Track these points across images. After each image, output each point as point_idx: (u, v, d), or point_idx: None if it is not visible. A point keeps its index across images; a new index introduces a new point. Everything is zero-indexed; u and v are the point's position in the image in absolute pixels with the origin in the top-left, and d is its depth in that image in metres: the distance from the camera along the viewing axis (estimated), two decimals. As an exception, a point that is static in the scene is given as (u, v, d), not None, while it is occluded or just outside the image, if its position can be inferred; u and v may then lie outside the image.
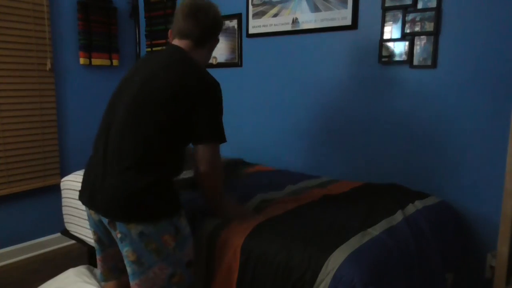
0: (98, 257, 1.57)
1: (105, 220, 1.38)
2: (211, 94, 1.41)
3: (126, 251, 1.36)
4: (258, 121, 2.75)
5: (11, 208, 2.81)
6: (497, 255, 1.91)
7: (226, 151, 2.94)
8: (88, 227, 2.20)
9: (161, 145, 1.35)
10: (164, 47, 1.55)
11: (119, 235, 1.35)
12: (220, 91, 1.44)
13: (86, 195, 1.43)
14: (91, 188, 1.41)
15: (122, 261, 1.47)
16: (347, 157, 2.36)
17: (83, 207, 2.21)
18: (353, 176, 2.30)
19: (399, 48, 2.09)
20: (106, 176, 1.36)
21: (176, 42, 1.50)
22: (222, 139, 1.44)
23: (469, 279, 2.01)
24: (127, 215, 1.32)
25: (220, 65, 2.89)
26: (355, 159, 2.32)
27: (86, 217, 1.56)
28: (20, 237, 2.87)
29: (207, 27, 1.49)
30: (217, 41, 1.59)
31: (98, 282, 2.19)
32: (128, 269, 1.39)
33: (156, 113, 1.34)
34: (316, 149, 2.49)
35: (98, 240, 1.52)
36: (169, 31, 1.58)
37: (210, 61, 2.93)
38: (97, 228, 1.49)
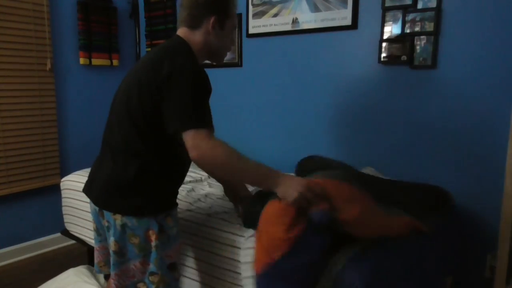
0: (95, 246, 1.59)
1: (96, 209, 1.45)
2: (179, 77, 1.25)
3: (110, 240, 1.39)
4: (258, 121, 2.75)
5: (11, 208, 2.81)
6: (497, 255, 1.91)
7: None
8: (88, 227, 2.20)
9: (145, 139, 1.33)
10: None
11: (106, 224, 1.41)
12: (195, 76, 1.28)
13: (87, 185, 1.51)
14: (90, 178, 1.50)
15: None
16: (347, 157, 2.36)
17: (83, 207, 2.22)
18: (353, 176, 2.30)
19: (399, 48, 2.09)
20: (101, 167, 1.44)
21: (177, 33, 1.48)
22: (200, 125, 1.24)
23: (469, 280, 2.01)
24: (112, 205, 1.37)
25: (220, 65, 2.89)
26: (355, 159, 2.32)
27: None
28: (20, 237, 2.87)
29: (193, 5, 1.41)
30: (217, 20, 1.41)
31: (98, 281, 2.19)
32: (111, 259, 1.42)
33: (135, 106, 1.33)
34: (317, 149, 2.49)
35: (96, 229, 1.55)
36: None
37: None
38: (95, 217, 1.52)
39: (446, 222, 1.85)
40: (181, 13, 1.45)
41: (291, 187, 1.27)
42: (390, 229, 1.41)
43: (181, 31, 1.44)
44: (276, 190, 1.29)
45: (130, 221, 1.34)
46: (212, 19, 1.40)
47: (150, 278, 1.39)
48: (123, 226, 1.35)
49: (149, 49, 3.28)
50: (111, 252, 1.40)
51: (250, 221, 1.50)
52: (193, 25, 1.41)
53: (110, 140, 1.42)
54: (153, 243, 1.37)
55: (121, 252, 1.37)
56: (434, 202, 1.74)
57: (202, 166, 1.33)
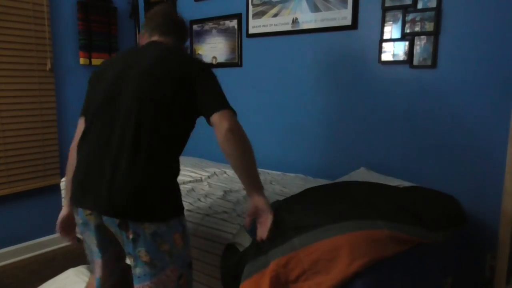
0: (98, 260, 1.46)
1: (114, 222, 1.31)
2: (209, 72, 1.44)
3: (138, 252, 1.32)
4: (258, 121, 2.75)
5: (11, 208, 2.81)
6: (497, 255, 1.91)
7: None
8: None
9: (167, 140, 1.34)
10: (140, 46, 1.57)
11: (131, 236, 1.30)
12: (213, 73, 1.48)
13: (88, 198, 1.34)
14: (95, 190, 1.32)
15: (120, 261, 1.49)
16: (347, 156, 2.36)
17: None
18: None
19: (399, 48, 2.09)
20: (117, 175, 1.30)
21: (155, 39, 1.59)
22: (232, 108, 1.38)
23: (469, 280, 2.01)
24: (142, 214, 1.29)
25: (220, 65, 2.89)
26: (354, 159, 2.32)
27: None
28: (20, 237, 2.87)
29: (183, 27, 1.64)
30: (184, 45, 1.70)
31: None
32: (139, 270, 1.34)
33: (161, 107, 1.34)
34: (317, 149, 2.49)
35: (99, 245, 1.42)
36: (140, 34, 1.68)
37: (210, 61, 2.94)
38: (97, 234, 1.39)
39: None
40: (168, 25, 1.61)
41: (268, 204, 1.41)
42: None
43: (169, 42, 1.61)
44: (259, 194, 1.40)
45: (160, 228, 1.31)
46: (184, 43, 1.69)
47: (180, 282, 1.38)
48: (153, 234, 1.30)
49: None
50: (139, 263, 1.33)
51: (225, 277, 1.53)
52: (182, 40, 1.66)
53: (127, 143, 1.31)
54: (180, 246, 1.37)
55: (152, 263, 1.33)
56: (450, 216, 1.73)
57: (230, 136, 1.33)
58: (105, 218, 1.33)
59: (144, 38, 1.62)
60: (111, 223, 1.32)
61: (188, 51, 1.75)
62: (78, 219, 1.42)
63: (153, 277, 1.33)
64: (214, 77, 1.44)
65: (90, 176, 1.35)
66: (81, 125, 1.51)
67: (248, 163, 1.38)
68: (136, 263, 1.33)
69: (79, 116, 1.54)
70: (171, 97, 1.35)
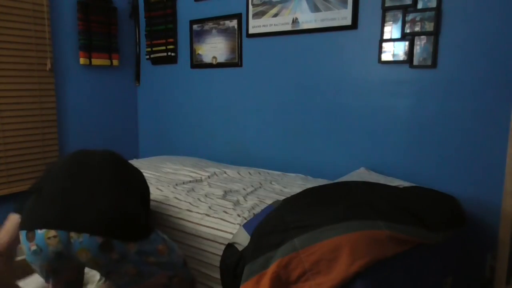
0: (51, 282, 1.38)
1: (96, 243, 1.25)
2: None
3: (125, 269, 1.34)
4: (258, 121, 2.75)
5: (11, 208, 2.80)
6: (497, 255, 1.91)
7: (226, 150, 2.95)
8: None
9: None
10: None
11: (115, 256, 1.29)
12: None
13: (61, 217, 1.28)
14: (69, 208, 1.29)
15: (78, 275, 1.49)
16: (347, 156, 2.36)
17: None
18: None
19: (399, 48, 2.09)
20: (92, 198, 1.32)
21: None
22: None
23: (469, 280, 2.01)
24: (127, 234, 1.31)
25: (220, 65, 2.89)
26: (354, 159, 2.32)
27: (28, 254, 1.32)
28: (20, 237, 2.86)
29: None
30: None
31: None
32: (127, 279, 1.37)
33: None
34: (317, 149, 2.49)
35: (52, 270, 1.34)
36: None
37: (210, 61, 2.93)
38: (53, 261, 1.30)
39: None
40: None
41: None
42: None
43: None
44: None
45: (143, 245, 1.35)
46: None
47: (172, 281, 1.46)
48: (138, 252, 1.34)
49: (149, 49, 3.28)
50: (127, 276, 1.35)
51: (225, 277, 1.55)
52: None
53: (94, 173, 1.42)
54: (165, 254, 1.42)
55: (140, 274, 1.37)
56: (450, 216, 1.73)
57: None
58: (84, 240, 1.25)
59: None
60: (91, 245, 1.25)
61: None
62: (30, 246, 1.27)
63: (141, 282, 1.38)
64: None
65: (63, 197, 1.32)
66: (13, 220, 1.48)
67: None
68: (122, 276, 1.36)
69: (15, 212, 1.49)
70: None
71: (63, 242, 1.25)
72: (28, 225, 1.28)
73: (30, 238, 1.26)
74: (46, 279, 1.39)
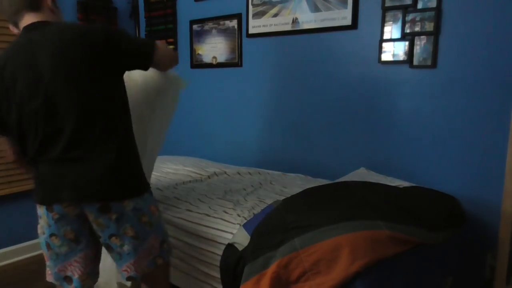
0: (73, 259, 1.45)
1: (94, 208, 1.36)
2: (111, 30, 1.43)
3: (124, 229, 1.40)
4: (258, 121, 2.75)
5: (11, 208, 2.81)
6: (497, 255, 1.91)
7: (226, 150, 2.95)
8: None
9: (111, 114, 1.39)
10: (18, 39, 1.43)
11: (114, 216, 1.37)
12: (110, 27, 1.46)
13: (64, 191, 1.36)
14: (66, 183, 1.35)
15: (97, 265, 1.52)
16: (347, 156, 2.36)
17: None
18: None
19: (399, 48, 2.09)
20: (80, 164, 1.34)
21: (27, 22, 1.39)
22: (154, 45, 1.49)
23: (469, 280, 2.01)
24: (121, 193, 1.38)
25: (220, 65, 2.89)
26: (355, 158, 2.32)
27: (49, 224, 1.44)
28: (20, 237, 2.86)
29: None
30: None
31: None
32: (127, 247, 1.41)
33: (90, 90, 1.34)
34: (317, 149, 2.49)
35: (75, 238, 1.43)
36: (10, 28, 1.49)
37: (210, 61, 2.94)
38: (75, 225, 1.42)
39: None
40: (16, 1, 1.39)
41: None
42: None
43: (32, 17, 1.39)
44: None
45: (137, 203, 1.41)
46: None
47: (162, 247, 1.50)
48: (133, 209, 1.40)
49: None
50: (127, 239, 1.41)
51: (225, 277, 1.55)
52: (33, 8, 1.40)
53: (70, 141, 1.33)
54: (156, 215, 1.49)
55: (137, 236, 1.42)
56: (450, 216, 1.73)
57: (170, 65, 1.62)
58: (86, 205, 1.37)
59: (16, 29, 1.46)
60: (91, 209, 1.37)
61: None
62: (53, 216, 1.40)
63: (139, 249, 1.43)
64: (118, 33, 1.43)
65: (58, 173, 1.37)
66: (3, 143, 1.52)
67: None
68: (123, 241, 1.41)
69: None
70: (100, 78, 1.36)
71: (77, 207, 1.39)
72: (46, 201, 1.41)
73: (50, 210, 1.40)
74: (66, 256, 1.46)
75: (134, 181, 1.44)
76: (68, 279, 1.47)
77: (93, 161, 1.34)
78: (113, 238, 1.41)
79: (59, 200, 1.37)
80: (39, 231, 1.53)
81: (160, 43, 1.53)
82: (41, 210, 1.44)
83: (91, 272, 1.50)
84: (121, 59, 1.40)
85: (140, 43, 1.49)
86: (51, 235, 1.44)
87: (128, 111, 1.47)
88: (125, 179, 1.40)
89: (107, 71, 1.37)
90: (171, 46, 3.13)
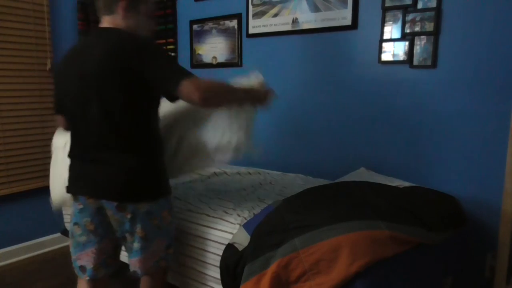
0: (90, 250, 1.56)
1: (112, 205, 1.46)
2: (151, 47, 1.42)
3: (136, 228, 1.49)
4: (258, 121, 2.74)
5: (11, 208, 2.81)
6: (497, 255, 1.91)
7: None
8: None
9: (136, 125, 1.46)
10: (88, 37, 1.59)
11: (129, 216, 1.47)
12: (156, 43, 1.48)
13: (87, 186, 1.50)
14: (89, 179, 1.49)
15: (111, 256, 1.61)
16: (347, 156, 2.36)
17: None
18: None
19: (399, 48, 2.09)
20: (102, 165, 1.46)
21: (102, 25, 1.54)
22: (188, 75, 1.38)
23: (469, 280, 2.01)
24: (137, 196, 1.47)
25: (220, 65, 2.89)
26: (355, 158, 2.32)
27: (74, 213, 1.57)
28: (20, 237, 2.87)
29: None
30: (128, 4, 1.50)
31: None
32: (136, 245, 1.51)
33: (113, 100, 1.41)
34: (317, 149, 2.49)
35: (94, 230, 1.54)
36: None
37: (210, 61, 2.93)
38: (95, 217, 1.53)
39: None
40: (98, 2, 1.53)
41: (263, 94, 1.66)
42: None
43: (105, 20, 1.52)
44: (258, 99, 1.63)
45: (151, 206, 1.50)
46: (122, 4, 1.49)
47: (167, 251, 1.60)
48: (147, 212, 1.49)
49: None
50: (137, 238, 1.50)
51: (225, 277, 1.56)
52: (110, 11, 1.51)
53: (97, 143, 1.46)
54: (167, 221, 1.57)
55: (146, 237, 1.51)
56: (450, 216, 1.73)
57: (207, 103, 1.42)
58: (103, 201, 1.48)
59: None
60: (109, 206, 1.48)
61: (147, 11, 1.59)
62: (77, 206, 1.54)
63: (146, 249, 1.53)
64: (157, 52, 1.42)
65: (80, 168, 1.52)
66: (60, 121, 1.67)
67: (234, 101, 1.56)
68: (134, 238, 1.51)
69: (55, 113, 1.69)
70: (125, 93, 1.41)
71: (97, 202, 1.51)
72: (72, 191, 1.56)
73: (76, 200, 1.55)
74: (84, 245, 1.57)
75: (150, 187, 1.51)
76: (82, 269, 1.58)
77: (114, 165, 1.45)
78: (127, 234, 1.52)
79: (82, 192, 1.52)
80: (68, 219, 1.75)
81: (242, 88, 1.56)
82: (71, 200, 1.59)
83: (104, 263, 1.59)
84: (146, 83, 1.41)
85: (168, 75, 1.39)
86: (74, 223, 1.57)
87: (157, 120, 1.54)
88: (142, 185, 1.48)
89: (135, 85, 1.41)
90: (171, 46, 3.13)
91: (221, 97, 1.47)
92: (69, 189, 1.57)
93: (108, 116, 1.42)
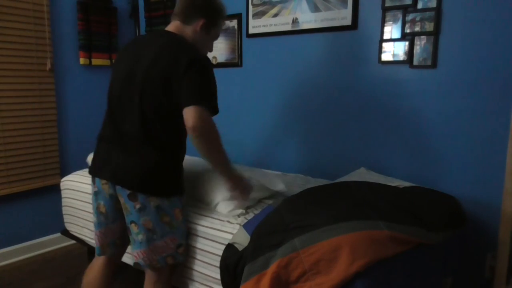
0: (98, 230, 1.70)
1: (125, 193, 1.54)
2: (201, 64, 1.49)
3: (143, 220, 1.54)
4: (258, 121, 2.75)
5: (11, 208, 2.81)
6: (497, 255, 1.91)
7: (226, 149, 2.94)
8: (88, 227, 2.20)
9: (166, 129, 1.54)
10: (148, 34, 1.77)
11: (138, 206, 1.53)
12: (207, 63, 1.52)
13: (106, 170, 1.59)
14: (110, 164, 1.57)
15: (121, 237, 1.71)
16: (347, 156, 2.36)
17: (83, 207, 2.21)
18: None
19: (399, 48, 2.09)
20: (126, 154, 1.55)
21: (169, 28, 1.65)
22: (211, 106, 1.47)
23: (469, 280, 2.01)
24: (149, 189, 1.52)
25: (220, 65, 2.89)
26: (355, 158, 2.32)
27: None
28: (20, 237, 2.87)
29: (190, 4, 1.62)
30: (205, 24, 1.62)
31: None
32: (141, 236, 1.56)
33: (154, 98, 1.50)
34: (317, 149, 2.49)
35: (105, 213, 1.66)
36: None
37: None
38: (107, 202, 1.64)
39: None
40: (177, 6, 1.65)
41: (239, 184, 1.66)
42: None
43: (175, 25, 1.64)
44: (227, 178, 1.64)
45: (163, 202, 1.55)
46: (201, 22, 1.62)
47: (178, 250, 1.64)
48: (157, 207, 1.54)
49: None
50: (143, 229, 1.55)
51: (225, 277, 1.56)
52: (186, 21, 1.62)
53: (128, 132, 1.54)
54: (179, 220, 1.61)
55: (153, 230, 1.55)
56: (450, 216, 1.73)
57: (193, 135, 1.46)
58: (118, 188, 1.56)
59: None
60: (122, 193, 1.55)
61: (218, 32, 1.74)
62: (94, 188, 1.68)
63: (152, 242, 1.57)
64: (199, 71, 1.47)
65: (106, 153, 1.61)
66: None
67: (214, 158, 1.56)
68: (140, 230, 1.56)
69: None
70: (163, 95, 1.49)
71: (111, 187, 1.60)
72: (92, 173, 1.67)
73: (94, 182, 1.67)
74: (96, 226, 1.71)
75: (165, 184, 1.56)
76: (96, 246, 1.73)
77: (137, 156, 1.53)
78: (133, 224, 1.57)
79: (100, 175, 1.61)
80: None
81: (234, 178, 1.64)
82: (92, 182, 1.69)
83: (112, 243, 1.71)
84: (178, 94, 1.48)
85: (191, 92, 1.46)
86: (92, 204, 1.71)
87: (177, 134, 1.59)
88: (157, 179, 1.54)
89: (175, 91, 1.48)
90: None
91: (210, 140, 1.48)
92: (90, 169, 1.68)
93: (145, 112, 1.51)
